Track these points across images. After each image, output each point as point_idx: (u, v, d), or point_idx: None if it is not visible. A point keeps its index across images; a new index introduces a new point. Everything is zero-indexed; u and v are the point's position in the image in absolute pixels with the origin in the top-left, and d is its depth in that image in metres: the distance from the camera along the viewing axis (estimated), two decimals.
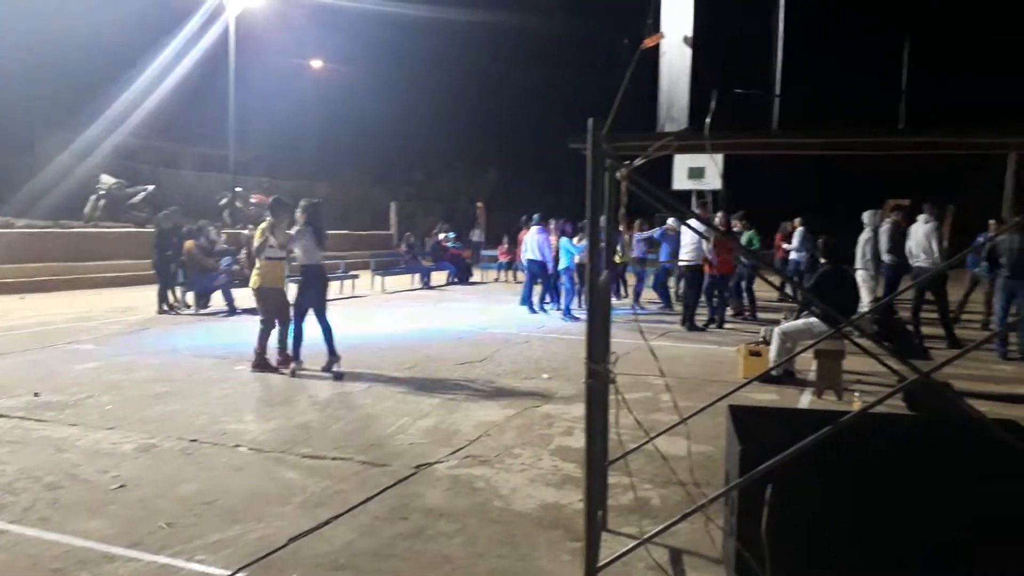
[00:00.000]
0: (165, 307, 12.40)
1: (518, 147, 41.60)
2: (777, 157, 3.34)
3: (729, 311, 12.43)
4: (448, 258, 20.21)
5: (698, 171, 12.68)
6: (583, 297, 11.82)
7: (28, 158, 23.66)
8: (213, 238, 13.92)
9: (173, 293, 12.71)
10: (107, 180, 22.33)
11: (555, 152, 2.94)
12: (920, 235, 10.21)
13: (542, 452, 5.18)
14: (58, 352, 8.64)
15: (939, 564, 2.77)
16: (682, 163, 13.16)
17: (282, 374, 7.53)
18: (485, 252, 23.94)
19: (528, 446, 5.31)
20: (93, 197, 21.76)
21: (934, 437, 3.28)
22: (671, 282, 14.36)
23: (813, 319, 7.33)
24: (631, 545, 2.86)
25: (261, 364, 7.67)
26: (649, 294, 14.71)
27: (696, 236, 10.39)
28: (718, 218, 11.99)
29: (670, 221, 12.97)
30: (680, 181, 13.67)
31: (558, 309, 12.98)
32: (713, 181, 13.00)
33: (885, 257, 10.55)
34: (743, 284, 13.04)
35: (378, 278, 17.38)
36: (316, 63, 34.77)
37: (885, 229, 10.65)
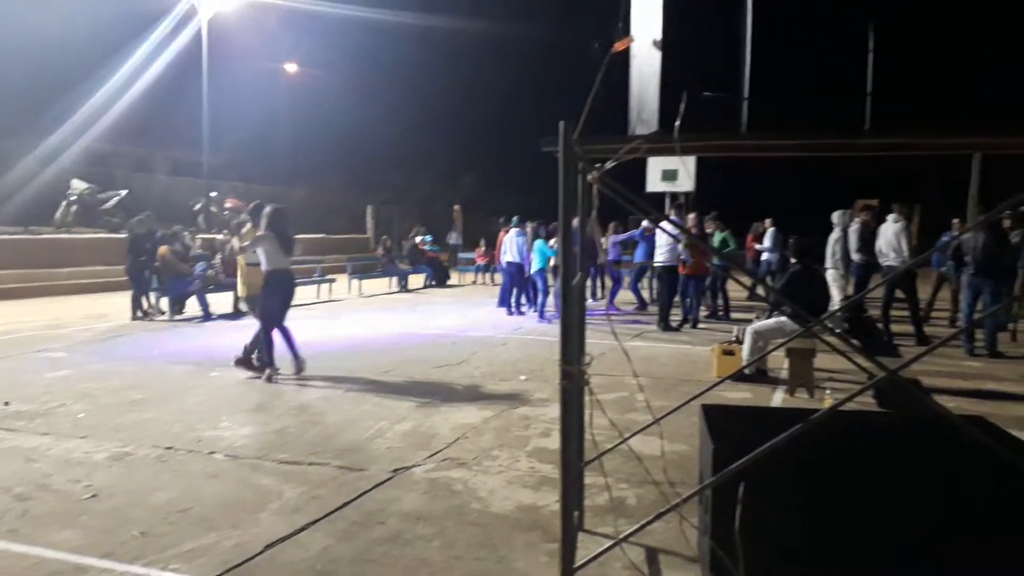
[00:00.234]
0: (139, 313, 12.26)
1: (495, 150, 41.71)
2: (749, 159, 3.39)
3: (703, 311, 12.54)
4: (425, 261, 20.19)
5: (671, 173, 12.78)
6: (557, 299, 11.85)
7: None
8: (188, 243, 13.78)
9: (147, 299, 12.57)
10: (78, 185, 22.02)
11: (531, 155, 2.96)
12: (889, 234, 10.39)
13: (519, 454, 5.19)
14: (29, 360, 8.51)
15: (911, 560, 2.83)
16: (656, 165, 13.26)
17: (257, 378, 7.47)
18: (462, 255, 23.94)
19: (505, 448, 5.32)
20: (64, 202, 21.45)
21: (904, 434, 3.35)
22: (644, 283, 14.47)
23: (784, 318, 7.43)
24: (607, 545, 2.89)
25: (246, 362, 7.69)
26: (625, 295, 14.79)
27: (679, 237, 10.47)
28: (690, 219, 12.10)
29: (645, 222, 13.06)
30: (654, 183, 13.78)
31: (534, 311, 13.02)
32: (686, 183, 13.11)
33: (855, 256, 10.71)
34: (717, 284, 13.17)
35: (355, 282, 17.32)
36: (290, 67, 34.58)
37: (854, 229, 10.81)
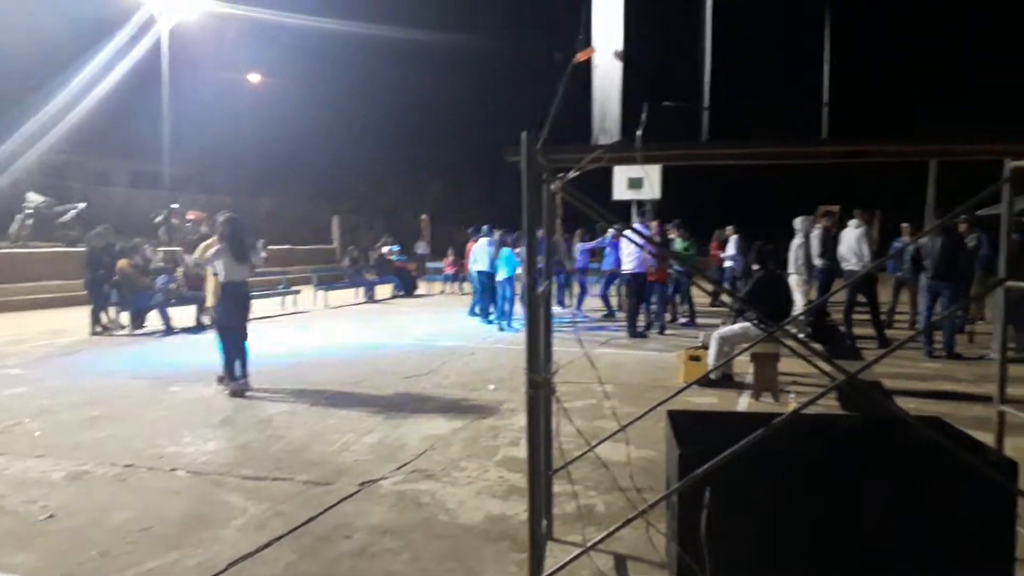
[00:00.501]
0: (98, 328, 11.99)
1: (462, 159, 41.73)
2: (713, 167, 3.44)
3: (667, 317, 12.69)
4: (392, 271, 20.07)
5: (637, 181, 12.88)
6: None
7: None
8: (148, 256, 13.53)
9: (106, 313, 12.30)
10: (34, 198, 21.53)
11: (498, 163, 2.97)
12: (851, 239, 10.60)
13: (488, 464, 5.17)
14: None
15: (876, 560, 2.87)
16: (621, 174, 13.35)
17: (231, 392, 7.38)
18: (431, 264, 23.85)
19: (474, 458, 5.29)
20: (20, 216, 20.96)
21: (865, 436, 3.40)
22: (613, 290, 14.57)
23: (748, 323, 7.52)
24: (574, 554, 2.88)
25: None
26: (593, 303, 14.86)
27: (643, 245, 10.58)
28: (653, 227, 12.24)
29: (611, 231, 13.16)
30: (620, 191, 13.86)
31: (501, 321, 13.01)
32: (652, 191, 13.23)
33: (817, 261, 10.90)
34: (680, 291, 13.34)
35: (321, 293, 17.14)
36: (253, 77, 34.22)
37: (816, 234, 11.00)
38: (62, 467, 5.09)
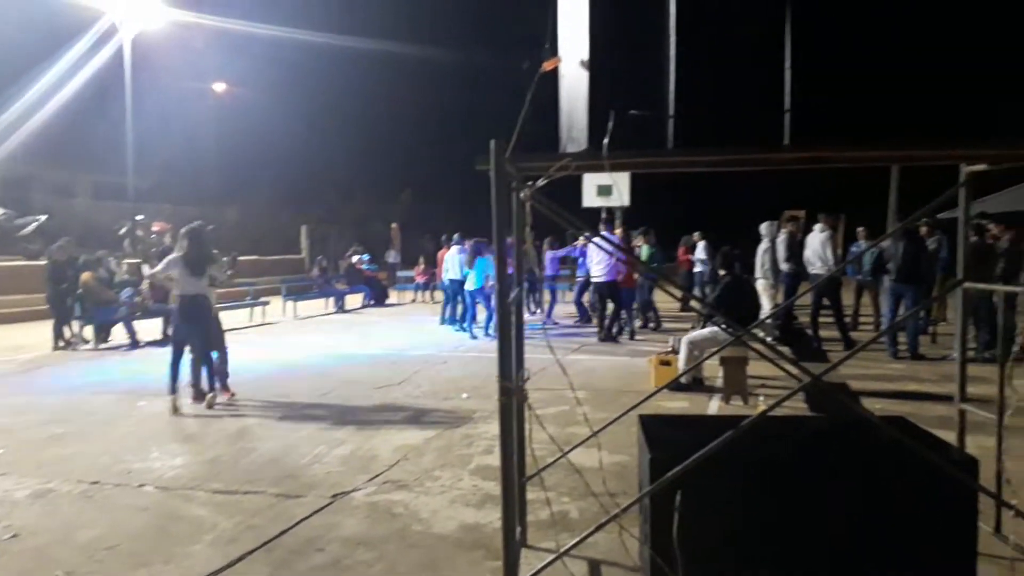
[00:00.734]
0: (61, 343, 11.74)
1: (431, 167, 41.63)
2: (681, 174, 3.49)
3: (637, 323, 12.82)
4: (363, 280, 19.95)
5: (606, 188, 13.00)
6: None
7: None
8: (112, 269, 13.30)
9: (70, 328, 12.05)
10: None
11: (468, 171, 2.98)
12: (816, 244, 10.78)
13: (462, 473, 5.17)
14: None
15: (844, 558, 2.92)
16: (591, 181, 13.46)
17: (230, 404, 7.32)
18: (401, 273, 23.74)
19: (448, 467, 5.28)
20: None
21: (832, 436, 3.46)
22: (586, 296, 14.67)
23: (717, 328, 7.61)
24: (547, 560, 2.89)
25: (224, 389, 7.52)
26: (564, 309, 14.92)
27: (610, 251, 10.68)
28: (618, 234, 12.38)
29: (582, 240, 13.26)
30: (590, 198, 13.98)
31: (473, 328, 12.99)
32: (621, 198, 13.36)
33: (783, 266, 11.06)
34: (645, 296, 13.49)
35: (290, 304, 16.96)
36: (219, 86, 33.87)
37: (782, 239, 11.17)
38: (26, 485, 4.98)
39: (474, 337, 12.44)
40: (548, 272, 15.20)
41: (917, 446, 2.71)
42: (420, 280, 20.96)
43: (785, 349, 9.86)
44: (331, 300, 18.24)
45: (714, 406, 7.13)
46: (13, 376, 9.34)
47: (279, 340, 12.61)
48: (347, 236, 30.64)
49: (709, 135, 2.85)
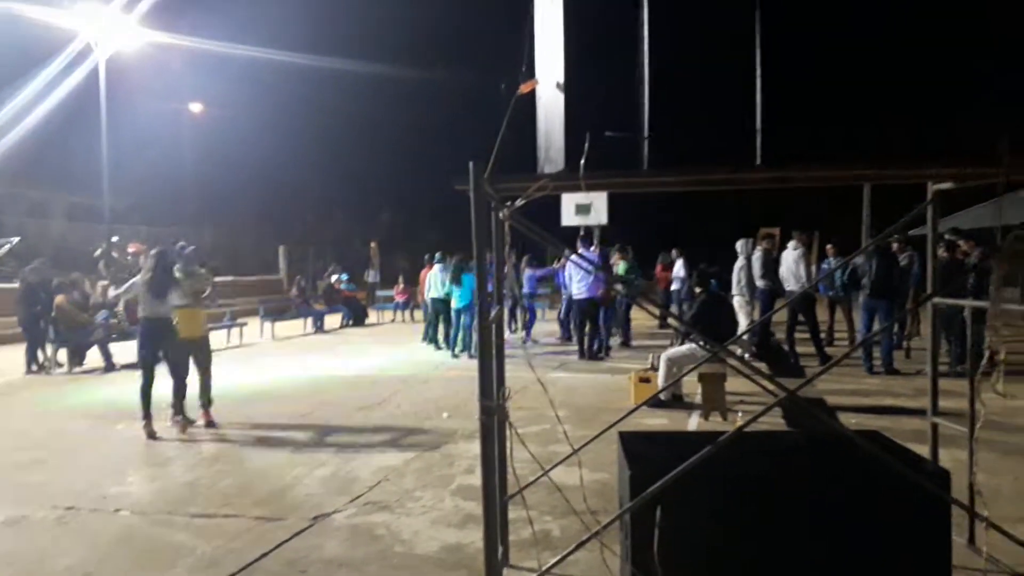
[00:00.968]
0: (34, 367, 11.56)
1: (410, 186, 41.76)
2: (659, 192, 3.55)
3: (616, 340, 12.90)
4: (342, 300, 19.84)
5: (585, 208, 13.12)
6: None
7: None
8: (87, 291, 13.14)
9: (43, 352, 11.87)
10: None
11: (446, 190, 3.02)
12: (790, 261, 10.93)
13: (443, 493, 5.15)
14: None
15: (821, 572, 2.95)
16: (569, 200, 13.58)
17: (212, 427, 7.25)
18: (381, 293, 23.66)
19: (429, 488, 5.27)
20: None
21: (808, 451, 3.51)
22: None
23: (694, 345, 7.68)
24: None
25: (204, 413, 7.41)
26: (542, 327, 14.94)
27: (588, 269, 10.77)
28: (593, 251, 12.50)
29: (561, 260, 13.36)
30: (568, 217, 14.09)
31: (457, 348, 12.97)
32: (599, 217, 13.49)
33: (759, 283, 11.19)
34: (621, 313, 13.60)
35: (268, 325, 16.83)
36: (196, 107, 33.75)
37: (757, 256, 11.31)
38: None
39: (455, 356, 12.41)
40: (526, 290, 15.24)
41: (891, 460, 2.76)
42: (400, 299, 20.90)
43: (762, 365, 9.96)
44: (310, 321, 18.13)
45: (694, 422, 7.18)
46: None
47: (257, 362, 12.51)
48: (326, 256, 30.55)
49: (682, 156, 2.91)
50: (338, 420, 7.58)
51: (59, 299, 11.85)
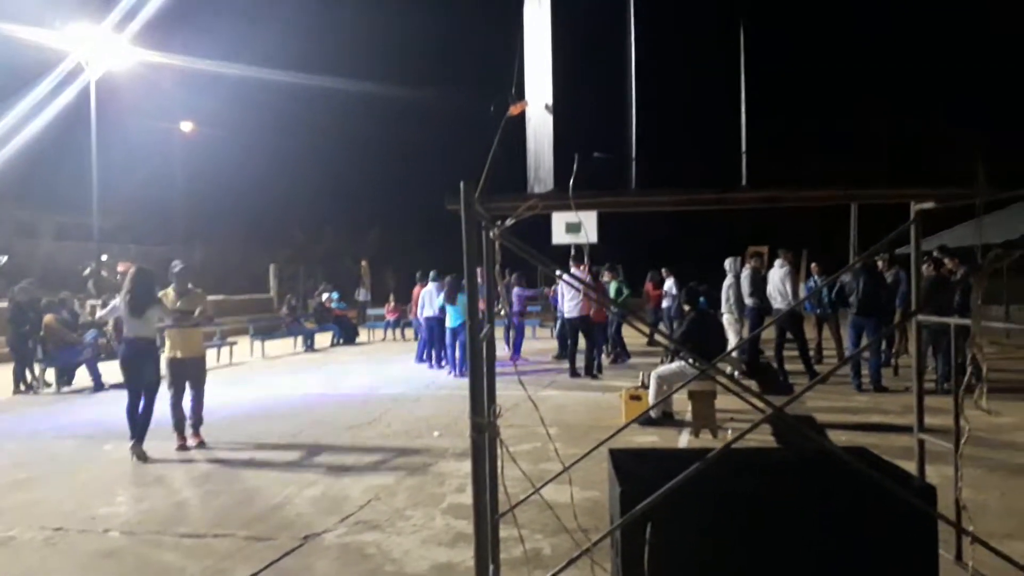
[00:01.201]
0: (22, 387, 11.48)
1: (400, 204, 41.86)
2: (648, 211, 3.60)
3: (606, 358, 12.94)
4: (332, 319, 19.80)
5: (575, 226, 13.18)
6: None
7: None
8: (76, 311, 13.08)
9: (31, 371, 11.80)
10: None
11: (437, 208, 3.05)
12: (776, 279, 11.01)
13: (434, 512, 5.15)
14: None
15: None
16: (559, 219, 13.65)
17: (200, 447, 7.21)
18: (371, 311, 23.64)
19: (420, 507, 5.26)
20: None
21: (796, 467, 3.54)
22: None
23: (683, 362, 7.72)
24: None
25: (195, 435, 7.35)
26: (532, 346, 14.95)
27: (580, 288, 10.81)
28: (583, 270, 12.57)
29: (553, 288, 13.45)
30: (559, 236, 14.18)
31: (449, 368, 12.94)
32: (589, 235, 13.57)
33: (748, 300, 11.26)
34: (612, 331, 13.66)
35: (258, 344, 16.78)
36: (186, 126, 33.77)
37: (746, 275, 11.39)
38: None
39: (453, 374, 12.36)
40: (515, 308, 15.25)
41: (877, 476, 2.79)
42: (391, 318, 20.88)
43: (752, 383, 10.01)
44: (300, 339, 18.08)
45: (684, 440, 7.20)
46: None
47: (247, 381, 12.46)
48: (316, 274, 30.52)
49: (669, 177, 2.96)
50: (328, 439, 7.56)
51: (48, 318, 11.81)
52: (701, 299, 8.33)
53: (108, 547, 4.59)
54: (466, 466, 6.14)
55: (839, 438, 6.85)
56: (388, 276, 30.44)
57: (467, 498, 5.34)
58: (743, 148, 2.99)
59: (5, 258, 21.72)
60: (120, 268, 24.18)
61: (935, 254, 10.21)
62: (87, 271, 23.12)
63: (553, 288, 13.09)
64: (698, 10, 3.10)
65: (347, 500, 5.44)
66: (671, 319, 14.76)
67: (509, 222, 2.91)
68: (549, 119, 3.01)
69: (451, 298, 12.49)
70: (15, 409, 10.02)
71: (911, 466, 3.85)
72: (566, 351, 14.13)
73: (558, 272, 3.44)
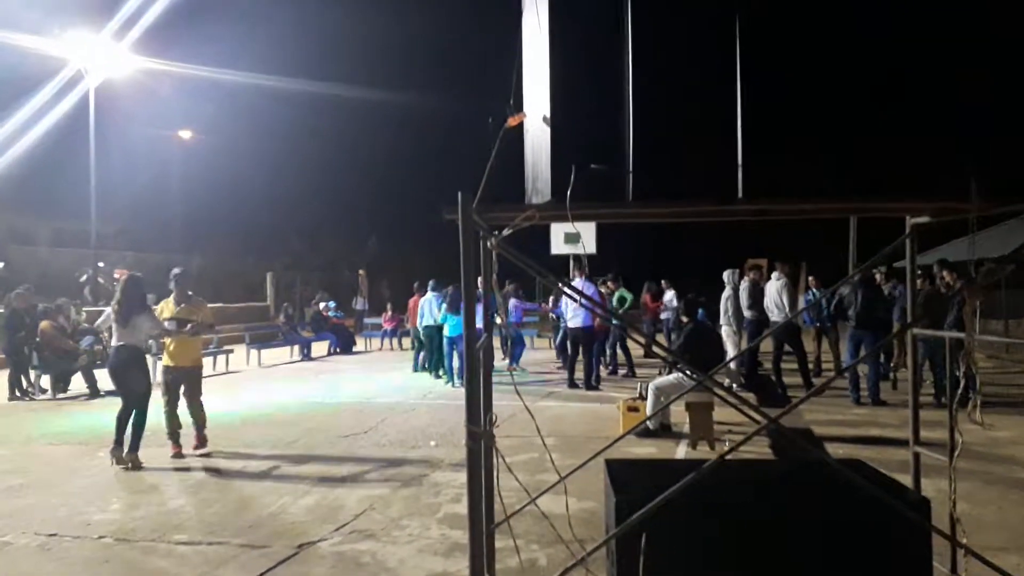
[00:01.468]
0: (18, 393, 11.45)
1: (398, 213, 41.89)
2: (646, 222, 3.62)
3: (604, 370, 12.94)
4: (329, 328, 19.77)
5: (573, 236, 13.23)
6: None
7: None
8: (73, 317, 13.06)
9: (27, 378, 11.77)
10: None
11: (435, 218, 3.07)
12: (773, 291, 11.03)
13: (430, 521, 5.14)
14: None
15: None
16: (558, 229, 13.71)
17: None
18: (369, 320, 23.61)
19: (415, 516, 5.25)
20: None
21: (792, 479, 3.55)
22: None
23: (681, 374, 7.72)
24: None
25: (199, 444, 7.31)
26: (531, 356, 14.94)
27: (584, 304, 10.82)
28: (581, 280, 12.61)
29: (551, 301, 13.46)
30: (557, 246, 14.23)
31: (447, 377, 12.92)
32: (587, 246, 13.60)
33: (747, 313, 11.27)
34: (614, 342, 13.64)
35: (254, 352, 16.74)
36: (184, 133, 33.80)
37: (744, 287, 11.41)
38: None
39: (455, 385, 12.32)
40: (512, 319, 15.26)
41: (872, 488, 2.80)
42: (388, 327, 20.86)
43: (750, 396, 10.01)
44: (296, 348, 18.05)
45: (681, 451, 7.19)
46: None
47: (243, 389, 12.44)
48: (313, 283, 30.48)
49: (665, 188, 2.99)
50: (324, 448, 7.55)
51: (43, 324, 11.79)
52: (700, 311, 8.34)
53: (102, 554, 4.57)
54: (462, 476, 6.12)
55: (837, 451, 6.84)
56: (383, 286, 30.41)
57: (463, 508, 5.32)
58: (739, 161, 3.02)
59: (2, 264, 21.68)
60: (116, 275, 24.14)
61: (935, 268, 10.24)
62: (84, 277, 23.09)
63: (552, 301, 13.10)
64: (695, 25, 3.13)
65: (342, 509, 5.43)
66: (669, 331, 14.78)
67: (506, 232, 2.93)
68: (547, 131, 3.03)
69: (455, 308, 12.48)
70: (10, 415, 9.99)
71: (908, 479, 3.86)
72: (566, 361, 14.14)
73: (561, 283, 3.45)
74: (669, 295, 15.36)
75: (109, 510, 5.48)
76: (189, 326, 7.24)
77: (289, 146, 40.65)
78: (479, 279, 3.16)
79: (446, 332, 12.58)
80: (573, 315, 11.65)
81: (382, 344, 21.00)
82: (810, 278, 13.46)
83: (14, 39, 21.10)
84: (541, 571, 4.19)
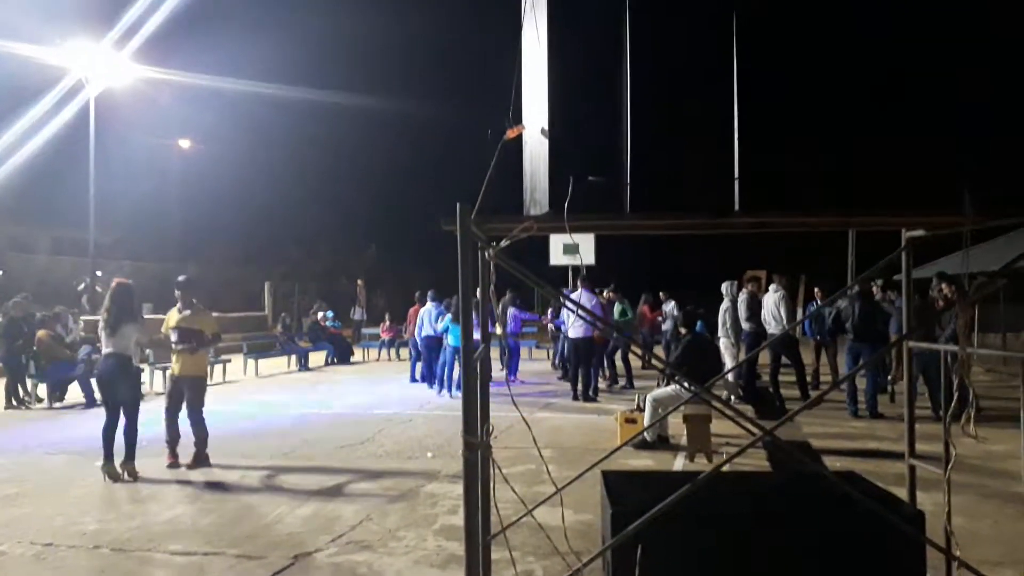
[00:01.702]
0: (14, 402, 11.43)
1: (397, 223, 41.98)
2: (648, 236, 3.64)
3: (603, 382, 12.92)
4: (327, 338, 19.74)
5: (572, 247, 13.25)
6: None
7: None
8: (70, 326, 13.04)
9: (23, 386, 11.74)
10: None
11: (433, 228, 3.09)
12: (771, 303, 11.05)
13: (426, 532, 5.13)
14: None
15: None
16: (557, 240, 13.73)
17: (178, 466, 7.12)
18: (367, 330, 23.59)
19: (412, 527, 5.24)
20: None
21: (788, 491, 3.55)
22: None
23: (678, 386, 7.73)
24: None
25: (200, 456, 7.23)
26: (529, 367, 14.93)
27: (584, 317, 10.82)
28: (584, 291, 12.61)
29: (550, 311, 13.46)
30: (556, 257, 14.25)
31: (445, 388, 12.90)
32: (587, 257, 13.62)
33: (745, 325, 11.28)
34: (612, 354, 13.65)
35: (251, 362, 16.71)
36: (183, 142, 33.86)
37: (743, 299, 11.42)
38: None
39: (452, 395, 12.30)
40: (511, 329, 15.25)
41: (867, 501, 2.80)
42: (386, 337, 20.84)
43: (748, 408, 10.01)
44: (294, 358, 18.02)
45: (679, 464, 7.19)
46: None
47: (240, 399, 12.42)
48: (311, 292, 30.49)
49: (664, 200, 3.00)
50: (321, 458, 7.54)
51: (41, 333, 11.78)
52: (699, 323, 8.35)
53: (98, 563, 4.56)
54: (459, 488, 6.12)
55: (833, 464, 6.84)
56: (380, 295, 30.42)
57: (459, 520, 5.31)
58: (736, 174, 3.04)
59: (0, 272, 21.66)
60: (114, 284, 24.14)
61: (934, 281, 10.26)
62: (82, 286, 23.09)
63: (551, 313, 13.12)
64: (694, 36, 3.16)
65: (339, 520, 5.42)
66: (668, 343, 14.78)
67: (504, 243, 2.94)
68: (545, 143, 3.05)
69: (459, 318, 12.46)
70: (6, 424, 9.96)
71: (905, 492, 3.86)
72: (567, 372, 14.12)
73: (561, 295, 3.46)
74: (670, 305, 15.37)
75: (105, 520, 5.46)
76: (191, 343, 7.22)
77: (288, 155, 40.88)
78: (478, 290, 3.17)
79: (449, 342, 12.55)
80: (574, 324, 11.65)
81: (379, 354, 20.97)
82: (815, 290, 13.48)
83: (15, 48, 21.18)
84: None
